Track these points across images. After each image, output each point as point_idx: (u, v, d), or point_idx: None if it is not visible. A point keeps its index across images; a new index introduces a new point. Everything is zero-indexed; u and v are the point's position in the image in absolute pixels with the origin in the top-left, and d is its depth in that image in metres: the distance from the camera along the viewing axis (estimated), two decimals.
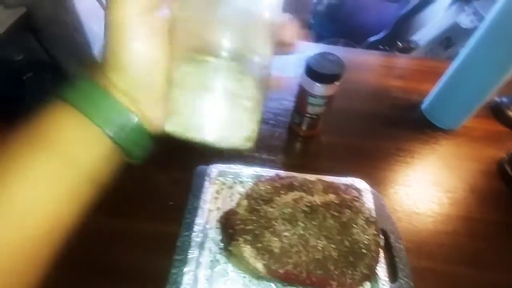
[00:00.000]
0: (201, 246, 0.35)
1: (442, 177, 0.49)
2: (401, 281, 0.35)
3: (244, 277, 0.34)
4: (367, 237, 0.33)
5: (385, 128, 0.55)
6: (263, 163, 0.47)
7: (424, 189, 0.47)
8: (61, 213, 0.19)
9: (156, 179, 0.43)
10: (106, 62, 0.18)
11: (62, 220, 0.19)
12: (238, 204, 0.34)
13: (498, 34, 0.45)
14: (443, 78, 0.54)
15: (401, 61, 0.78)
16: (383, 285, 0.34)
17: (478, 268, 0.39)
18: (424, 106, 0.58)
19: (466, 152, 0.53)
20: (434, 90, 0.56)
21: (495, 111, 0.59)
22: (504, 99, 0.59)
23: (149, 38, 0.18)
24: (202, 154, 0.45)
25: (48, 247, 0.19)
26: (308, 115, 0.48)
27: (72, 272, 0.34)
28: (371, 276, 0.32)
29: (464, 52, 0.50)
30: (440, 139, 0.54)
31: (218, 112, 0.19)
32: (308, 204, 0.33)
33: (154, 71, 0.19)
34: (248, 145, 0.20)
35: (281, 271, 0.30)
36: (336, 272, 0.30)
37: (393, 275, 0.36)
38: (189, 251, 0.34)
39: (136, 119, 0.19)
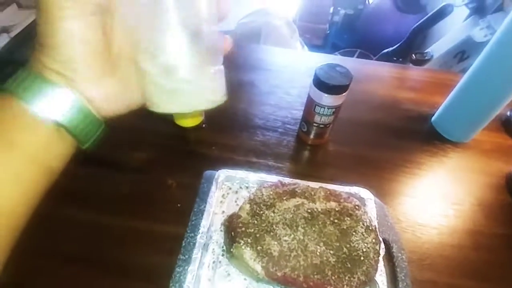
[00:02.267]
0: (204, 247, 0.36)
1: (449, 189, 0.49)
2: None
3: (245, 279, 0.35)
4: (366, 245, 0.34)
5: (393, 139, 0.56)
6: (269, 169, 0.48)
7: (430, 201, 0.47)
8: (8, 197, 0.19)
9: (166, 183, 0.45)
10: (38, 44, 0.19)
11: (9, 204, 0.19)
12: (241, 208, 0.35)
13: (508, 47, 0.45)
14: (454, 91, 0.54)
15: (413, 72, 0.78)
16: None
17: (482, 281, 0.39)
18: (434, 118, 0.58)
19: (475, 165, 0.52)
20: (445, 102, 0.56)
21: (505, 125, 0.58)
22: None
23: (79, 18, 0.18)
24: (210, 160, 0.47)
25: None
26: (316, 124, 0.49)
27: (87, 267, 0.36)
28: (368, 283, 0.33)
29: (475, 65, 0.50)
30: (449, 152, 0.54)
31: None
32: (309, 211, 0.34)
33: (85, 51, 0.19)
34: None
35: (279, 274, 0.31)
36: (333, 278, 0.31)
37: (393, 284, 0.36)
38: (193, 252, 0.35)
39: (72, 97, 0.19)
